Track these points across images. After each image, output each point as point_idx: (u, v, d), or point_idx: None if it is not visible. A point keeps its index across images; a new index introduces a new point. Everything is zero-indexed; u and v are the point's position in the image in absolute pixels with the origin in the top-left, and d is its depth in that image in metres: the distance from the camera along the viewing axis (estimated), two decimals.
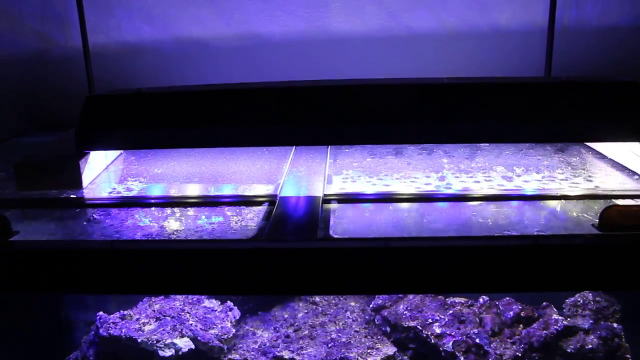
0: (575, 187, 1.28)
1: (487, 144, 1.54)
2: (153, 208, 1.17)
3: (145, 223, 1.09)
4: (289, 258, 0.92)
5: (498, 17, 2.01)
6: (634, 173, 1.36)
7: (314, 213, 1.09)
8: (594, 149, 1.51)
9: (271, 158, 1.47)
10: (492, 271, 0.96)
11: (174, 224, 1.08)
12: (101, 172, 1.41)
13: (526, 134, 1.34)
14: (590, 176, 1.35)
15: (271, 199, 1.17)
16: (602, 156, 1.48)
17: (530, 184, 1.29)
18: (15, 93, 2.10)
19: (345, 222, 1.05)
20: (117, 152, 1.54)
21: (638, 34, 2.02)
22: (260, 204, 1.16)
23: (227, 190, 1.26)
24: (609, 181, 1.32)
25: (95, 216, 1.15)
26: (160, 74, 2.08)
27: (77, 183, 1.30)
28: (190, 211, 1.15)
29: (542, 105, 1.30)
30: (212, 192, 1.26)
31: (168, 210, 1.16)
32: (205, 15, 2.01)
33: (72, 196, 1.27)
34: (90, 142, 1.35)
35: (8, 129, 2.04)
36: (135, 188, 1.31)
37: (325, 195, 1.19)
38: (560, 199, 1.21)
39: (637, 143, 1.35)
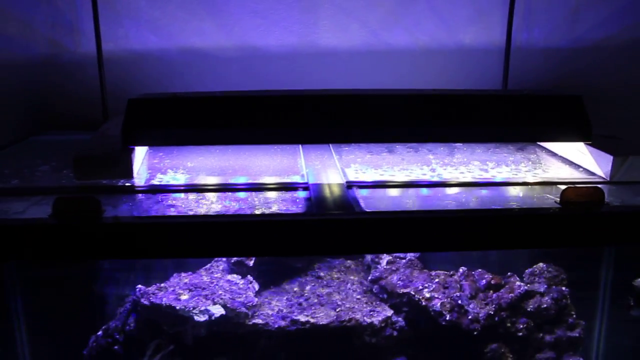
0: (536, 176, 1.61)
1: (462, 144, 1.86)
2: (206, 193, 1.41)
3: (205, 204, 1.33)
4: (335, 227, 1.19)
5: (463, 37, 2.33)
6: (579, 166, 1.70)
7: (344, 195, 1.37)
8: (547, 149, 1.85)
9: (284, 154, 1.73)
10: (483, 234, 1.26)
11: (232, 203, 1.33)
12: (140, 165, 1.62)
13: (493, 135, 1.66)
14: (546, 169, 1.69)
15: (305, 186, 1.44)
16: (554, 154, 1.82)
17: (502, 174, 1.61)
18: (27, 95, 2.25)
19: (371, 201, 1.33)
20: (146, 149, 1.75)
21: (577, 54, 2.38)
22: (296, 189, 1.43)
23: (264, 179, 1.52)
24: (561, 172, 1.66)
25: (159, 199, 1.38)
26: (164, 80, 2.27)
27: (129, 173, 1.52)
28: (239, 195, 1.39)
29: (505, 112, 1.63)
30: (251, 180, 1.51)
31: (219, 195, 1.40)
32: (208, 28, 2.23)
33: (127, 184, 1.49)
34: (134, 139, 1.57)
35: (23, 128, 2.20)
36: (180, 177, 1.55)
37: (347, 181, 1.47)
38: (527, 185, 1.53)
39: (580, 143, 1.69)
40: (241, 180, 1.50)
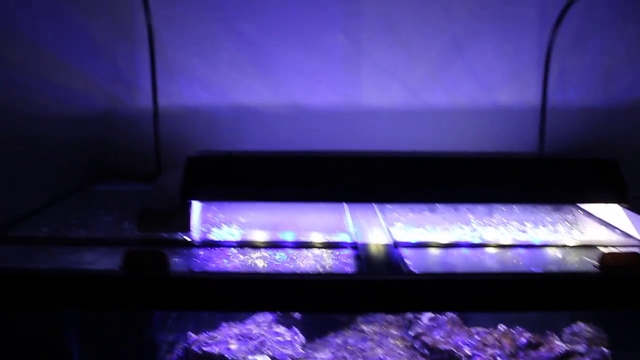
0: (574, 238, 1.67)
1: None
2: (258, 249, 1.50)
3: (258, 259, 1.43)
4: (385, 287, 1.28)
5: (499, 97, 2.42)
6: (616, 228, 1.76)
7: (391, 254, 1.45)
8: (584, 209, 1.91)
9: (330, 211, 1.83)
10: (524, 297, 1.33)
11: (283, 258, 1.42)
12: (196, 218, 1.73)
13: (531, 197, 1.74)
14: (583, 230, 1.75)
15: (353, 245, 1.53)
16: (590, 215, 1.88)
17: (540, 236, 1.68)
18: (87, 146, 2.40)
19: (417, 261, 1.41)
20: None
21: (612, 114, 2.45)
22: (345, 248, 1.52)
23: (313, 236, 1.61)
24: (598, 234, 1.72)
25: (216, 253, 1.48)
26: (214, 135, 2.40)
27: (188, 227, 1.63)
28: (290, 252, 1.49)
29: (542, 175, 1.71)
30: (301, 237, 1.60)
31: (271, 251, 1.49)
32: (256, 86, 2.37)
33: (186, 238, 1.59)
34: (193, 194, 1.68)
35: (83, 178, 2.33)
36: (234, 232, 1.65)
37: (394, 241, 1.55)
38: (565, 247, 1.60)
39: (617, 205, 1.75)
40: (291, 236, 1.59)
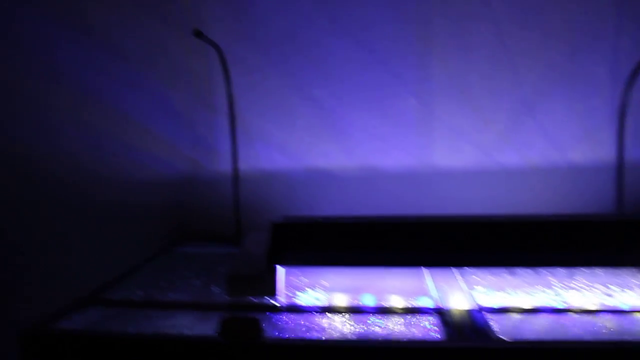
0: None
1: None
2: (344, 314, 1.55)
3: (343, 324, 1.47)
4: (474, 355, 1.30)
5: (572, 155, 2.42)
6: None
7: (477, 320, 1.47)
8: None
9: (410, 274, 1.86)
10: None
11: (373, 327, 1.46)
12: (280, 282, 1.79)
13: (613, 260, 1.74)
14: None
15: (437, 310, 1.56)
16: None
17: (628, 300, 1.66)
18: (170, 209, 2.53)
19: (503, 327, 1.43)
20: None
21: None
22: (430, 313, 1.55)
23: (396, 301, 1.64)
24: None
25: (303, 319, 1.53)
26: (291, 197, 2.49)
27: (274, 291, 1.69)
28: (376, 317, 1.53)
29: (624, 237, 1.71)
30: (384, 302, 1.64)
31: (355, 316, 1.54)
32: (331, 150, 2.45)
33: (273, 303, 1.66)
34: (279, 260, 1.75)
35: (167, 240, 2.45)
36: (318, 296, 1.70)
37: (478, 306, 1.57)
38: None
39: None
40: (375, 301, 1.63)
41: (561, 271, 1.86)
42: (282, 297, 1.68)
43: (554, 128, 2.42)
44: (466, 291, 1.70)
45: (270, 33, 2.42)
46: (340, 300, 1.66)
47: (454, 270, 1.87)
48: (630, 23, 2.37)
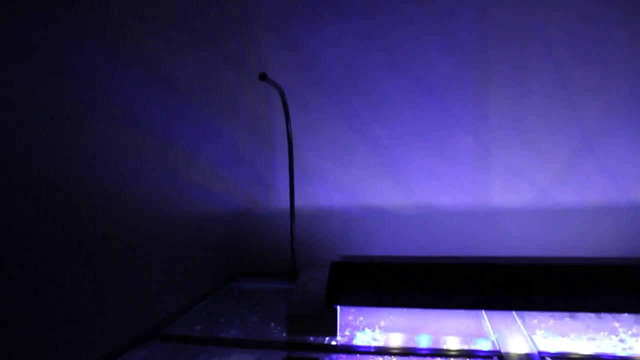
0: None
1: None
2: (404, 357, 1.55)
3: None
4: None
5: (635, 194, 2.37)
6: None
7: None
8: None
9: (468, 315, 1.85)
10: None
11: None
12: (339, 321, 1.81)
13: None
14: None
15: (497, 354, 1.54)
16: None
17: None
18: (226, 244, 2.58)
19: None
20: None
21: None
22: (490, 357, 1.53)
23: (454, 343, 1.64)
24: None
25: None
26: (346, 234, 2.51)
27: (334, 332, 1.71)
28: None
29: None
30: (442, 343, 1.64)
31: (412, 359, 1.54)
32: (387, 188, 2.46)
33: (334, 343, 1.67)
34: (338, 299, 1.77)
35: (223, 275, 2.50)
36: (377, 337, 1.71)
37: (539, 352, 1.55)
38: None
39: None
40: (431, 342, 1.63)
41: (626, 316, 1.81)
42: (341, 337, 1.70)
43: (615, 166, 2.37)
44: (526, 335, 1.68)
45: (328, 73, 2.47)
46: (397, 340, 1.66)
47: (515, 313, 1.84)
48: None
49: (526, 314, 1.84)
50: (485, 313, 1.85)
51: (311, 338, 1.69)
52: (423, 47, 2.40)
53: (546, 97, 2.35)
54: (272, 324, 1.83)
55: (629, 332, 1.71)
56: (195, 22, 2.48)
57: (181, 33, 2.49)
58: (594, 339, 1.66)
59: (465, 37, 2.36)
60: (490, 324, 1.78)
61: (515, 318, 1.82)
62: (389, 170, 2.43)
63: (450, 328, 1.75)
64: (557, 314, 1.83)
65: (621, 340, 1.65)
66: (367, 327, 1.78)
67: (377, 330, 1.75)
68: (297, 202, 2.47)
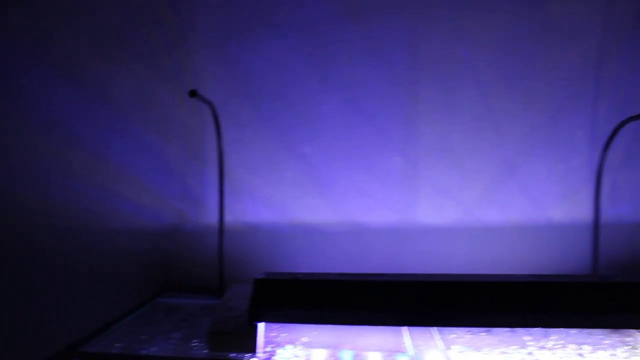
0: None
1: None
2: None
3: None
4: None
5: (552, 213, 2.48)
6: None
7: None
8: None
9: (389, 331, 1.89)
10: None
11: None
12: (261, 337, 1.82)
13: (585, 322, 1.78)
14: None
15: None
16: None
17: None
18: (154, 259, 2.55)
19: None
20: None
21: None
22: None
23: (373, 359, 1.67)
24: None
25: None
26: (275, 250, 2.52)
27: (254, 348, 1.72)
28: None
29: (597, 300, 1.75)
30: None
31: None
32: (317, 204, 2.50)
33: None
34: (260, 316, 1.78)
35: (149, 290, 2.47)
36: (298, 353, 1.73)
37: None
38: None
39: None
40: (352, 358, 1.66)
41: (537, 330, 1.89)
42: (261, 354, 1.70)
43: (534, 187, 2.48)
44: (443, 350, 1.73)
45: (263, 90, 2.50)
46: (319, 356, 1.68)
47: (433, 329, 1.89)
48: (609, 88, 2.46)
49: (445, 329, 1.89)
50: (407, 329, 1.90)
51: (232, 355, 1.69)
52: (357, 67, 2.45)
53: (472, 120, 2.44)
54: (195, 341, 1.82)
55: (537, 345, 1.78)
56: (131, 35, 2.47)
57: (116, 46, 2.47)
58: (505, 353, 1.72)
59: (398, 60, 2.43)
60: (410, 339, 1.82)
61: (433, 334, 1.87)
62: (319, 188, 2.46)
63: (371, 344, 1.79)
64: (474, 329, 1.89)
65: (529, 354, 1.71)
66: (288, 344, 1.79)
67: (299, 347, 1.77)
68: (227, 217, 2.47)
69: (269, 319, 1.77)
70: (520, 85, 2.47)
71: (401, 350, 1.73)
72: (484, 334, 1.88)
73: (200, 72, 2.48)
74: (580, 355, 1.72)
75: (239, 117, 2.49)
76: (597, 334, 1.89)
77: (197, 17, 2.45)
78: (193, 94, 2.14)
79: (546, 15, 2.40)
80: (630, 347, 1.80)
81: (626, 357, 1.72)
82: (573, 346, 1.79)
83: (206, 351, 1.72)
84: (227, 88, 2.48)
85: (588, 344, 1.81)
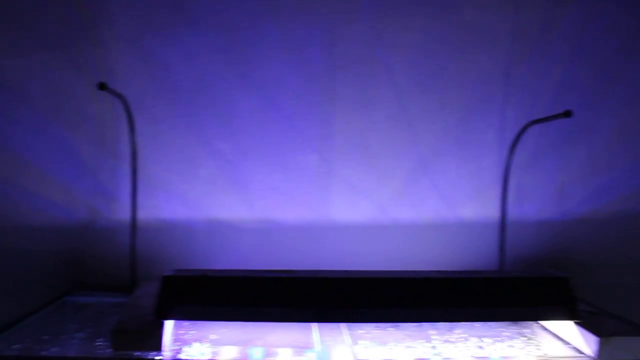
0: (529, 354, 1.76)
1: None
2: None
3: None
4: None
5: (462, 212, 2.57)
6: (569, 343, 1.86)
7: None
8: (540, 324, 2.02)
9: (299, 328, 1.91)
10: None
11: None
12: (168, 335, 1.80)
13: (488, 315, 1.86)
14: (539, 345, 1.85)
15: None
16: (546, 329, 1.98)
17: (497, 352, 1.77)
18: (64, 256, 2.47)
19: None
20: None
21: (566, 226, 2.61)
22: None
23: (280, 356, 1.68)
24: (553, 350, 1.81)
25: None
26: (189, 248, 2.50)
27: (159, 346, 1.69)
28: None
29: (499, 294, 1.84)
30: (269, 356, 1.67)
31: None
32: (232, 202, 2.49)
33: (159, 358, 1.66)
34: (166, 314, 1.76)
35: (58, 288, 2.39)
36: (205, 351, 1.71)
37: None
38: None
39: (569, 322, 1.86)
40: (260, 355, 1.67)
41: (442, 325, 1.95)
42: (168, 352, 1.68)
43: (446, 186, 2.55)
44: (350, 345, 1.76)
45: (180, 86, 2.46)
46: (227, 353, 1.67)
47: (343, 325, 1.92)
48: (515, 91, 2.57)
49: (355, 325, 1.93)
50: (317, 325, 1.92)
51: (137, 353, 1.66)
52: (274, 65, 2.45)
53: (387, 119, 2.49)
54: (100, 340, 1.78)
55: (441, 339, 1.83)
56: (42, 24, 2.37)
57: (25, 34, 2.37)
58: (411, 347, 1.77)
59: (315, 59, 2.45)
60: (318, 335, 1.84)
61: (342, 330, 1.90)
62: (235, 185, 2.45)
63: (281, 340, 1.79)
64: (382, 325, 1.93)
65: (433, 347, 1.77)
66: (196, 341, 1.77)
67: (206, 344, 1.75)
68: (141, 214, 2.42)
69: (176, 316, 1.75)
70: (434, 87, 2.54)
71: (310, 347, 1.75)
72: (392, 329, 1.92)
73: (115, 65, 2.41)
74: (481, 347, 1.78)
75: (154, 112, 2.44)
76: (499, 327, 1.97)
77: (113, 8, 2.39)
78: (102, 87, 2.08)
79: (460, 21, 2.48)
80: (526, 338, 1.89)
81: (522, 348, 1.80)
82: (475, 339, 1.85)
83: (110, 350, 1.67)
84: (143, 82, 2.43)
85: (489, 336, 1.88)
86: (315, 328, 1.89)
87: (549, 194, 2.63)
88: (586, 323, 1.80)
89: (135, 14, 2.39)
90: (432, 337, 1.86)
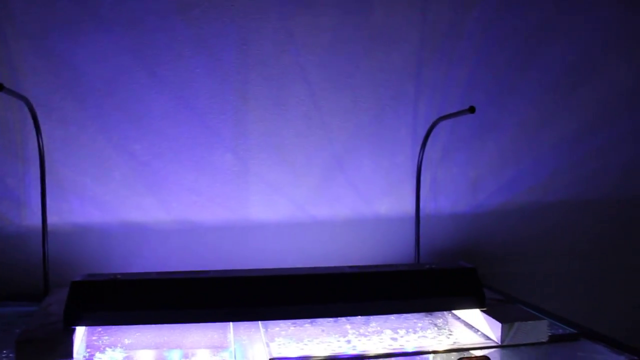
0: (440, 342, 1.83)
1: None
2: None
3: None
4: None
5: (378, 207, 2.63)
6: (478, 330, 1.95)
7: None
8: (453, 313, 2.10)
9: (215, 328, 1.90)
10: None
11: None
12: (80, 342, 1.76)
13: (403, 307, 1.93)
14: (449, 334, 1.92)
15: None
16: (458, 318, 2.07)
17: (410, 342, 1.83)
18: None
19: None
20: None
21: (479, 218, 2.72)
22: None
23: (196, 357, 1.68)
24: (462, 337, 1.89)
25: None
26: (105, 252, 2.44)
27: (70, 354, 1.65)
28: None
29: (413, 286, 1.90)
30: (189, 358, 1.67)
31: None
32: (148, 204, 2.45)
33: None
34: (76, 320, 1.72)
35: None
36: (118, 357, 1.69)
37: (271, 358, 1.65)
38: (432, 353, 1.75)
39: (477, 310, 1.95)
40: (178, 357, 1.66)
41: (358, 318, 2.00)
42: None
43: (362, 183, 2.61)
44: (265, 343, 1.78)
45: (89, 86, 2.40)
46: (144, 357, 1.65)
47: (260, 323, 1.93)
48: (426, 89, 2.66)
49: (270, 323, 1.94)
50: (232, 325, 1.92)
51: None
52: (186, 64, 2.43)
53: (302, 118, 2.52)
54: (5, 352, 1.71)
55: (357, 333, 1.88)
56: None
57: None
58: (326, 342, 1.80)
59: (227, 58, 2.45)
60: (233, 334, 1.85)
61: (259, 327, 1.91)
62: (150, 186, 2.42)
63: (197, 341, 1.79)
64: (298, 321, 1.96)
65: (348, 341, 1.81)
66: (109, 347, 1.74)
67: (119, 349, 1.72)
68: (53, 219, 2.35)
69: (87, 322, 1.71)
70: (347, 85, 2.59)
71: (226, 346, 1.75)
72: (308, 325, 1.95)
73: (19, 65, 2.33)
74: (394, 339, 1.84)
75: (63, 113, 2.37)
76: (413, 319, 2.03)
77: (12, 4, 2.30)
78: (0, 87, 2.00)
79: (370, 22, 2.54)
80: (437, 327, 1.96)
81: (433, 337, 1.87)
82: (389, 331, 1.91)
83: None
84: (49, 83, 2.35)
85: (403, 328, 1.94)
86: (231, 329, 1.89)
87: (461, 188, 2.74)
88: (492, 310, 1.89)
89: (38, 12, 2.31)
90: (348, 331, 1.89)
